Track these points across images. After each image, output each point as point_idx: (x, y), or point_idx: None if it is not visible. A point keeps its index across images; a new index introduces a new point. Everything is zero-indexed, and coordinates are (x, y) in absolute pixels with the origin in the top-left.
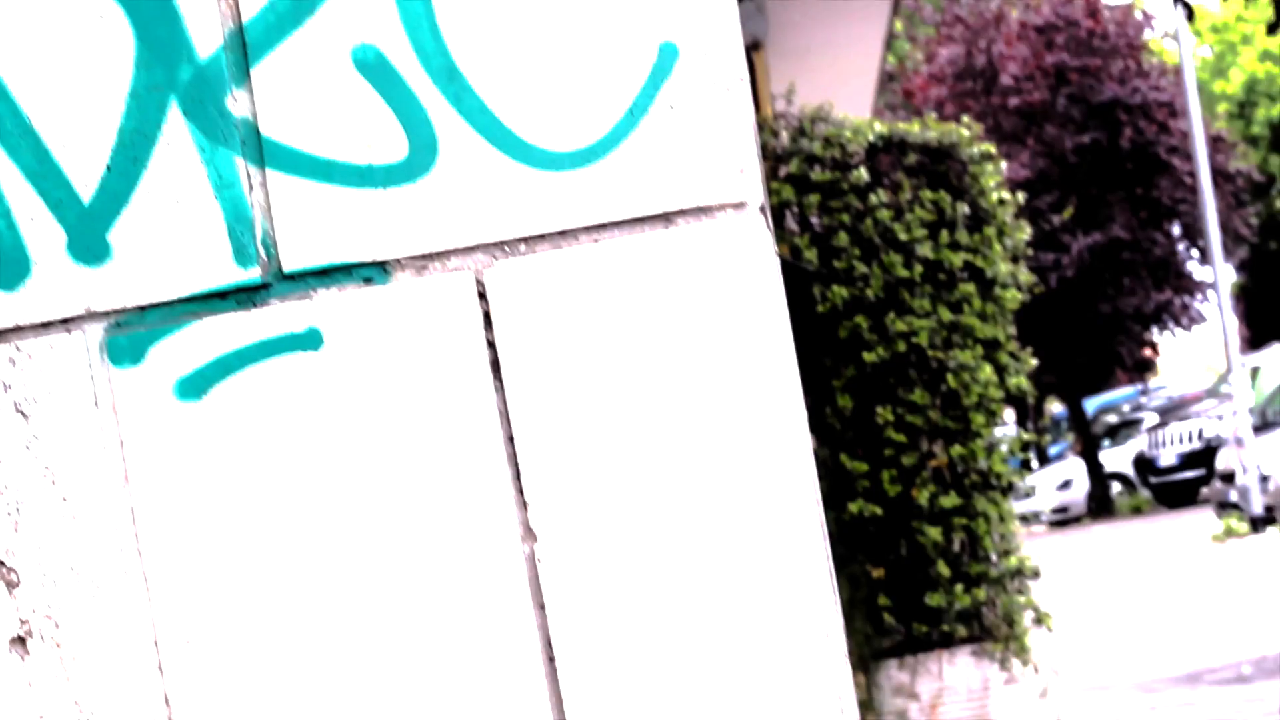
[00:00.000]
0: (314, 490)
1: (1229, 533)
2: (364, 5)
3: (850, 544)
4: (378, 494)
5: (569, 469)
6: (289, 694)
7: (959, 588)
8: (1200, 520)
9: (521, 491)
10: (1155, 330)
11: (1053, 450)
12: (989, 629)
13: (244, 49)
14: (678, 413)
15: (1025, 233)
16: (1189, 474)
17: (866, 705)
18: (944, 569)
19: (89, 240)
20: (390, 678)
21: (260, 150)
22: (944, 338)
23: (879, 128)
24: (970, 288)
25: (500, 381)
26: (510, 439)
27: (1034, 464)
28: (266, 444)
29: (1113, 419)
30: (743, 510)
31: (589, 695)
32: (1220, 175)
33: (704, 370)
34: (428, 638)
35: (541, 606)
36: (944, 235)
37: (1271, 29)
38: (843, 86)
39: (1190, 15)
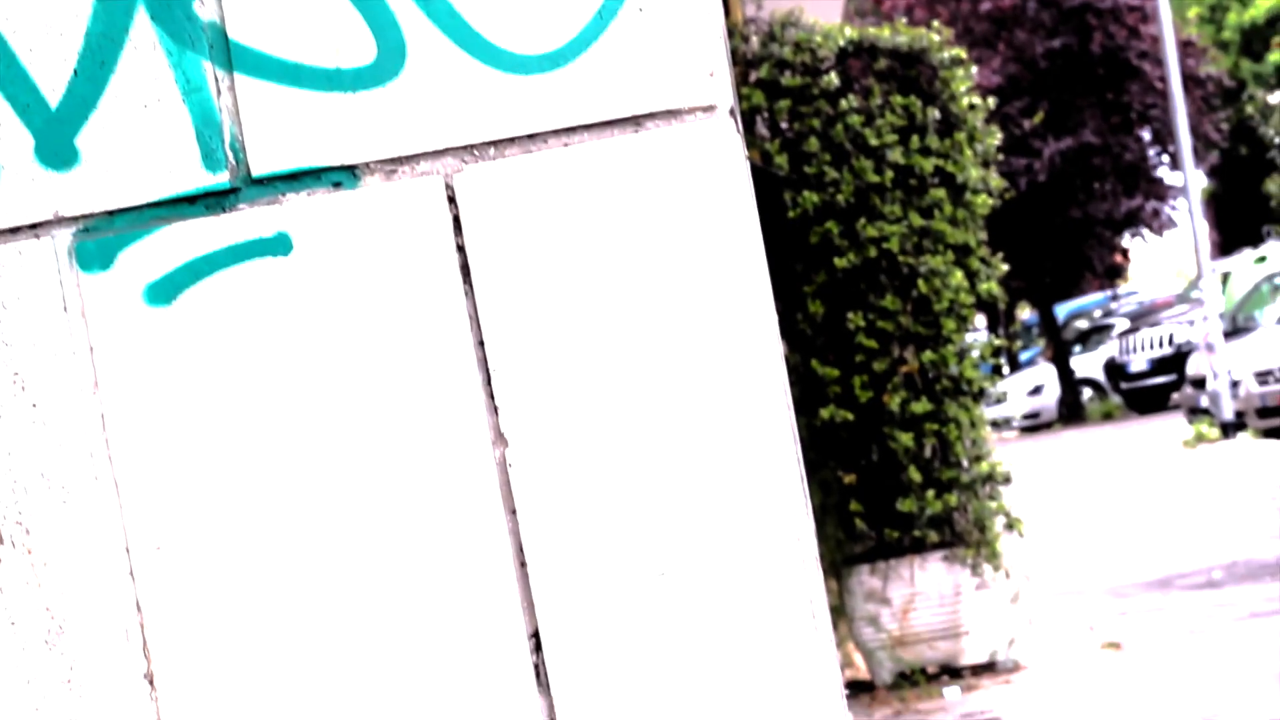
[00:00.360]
0: (284, 395)
1: (1199, 438)
2: None
3: (821, 450)
4: (348, 399)
5: (539, 374)
6: (259, 596)
7: (930, 493)
8: (1171, 426)
9: (492, 396)
10: (1126, 236)
11: (1024, 356)
12: (960, 534)
13: None
14: (647, 317)
15: (996, 138)
16: (1160, 379)
17: (838, 610)
18: (915, 474)
19: (57, 145)
20: (360, 582)
21: (228, 54)
22: (915, 243)
23: (849, 33)
24: (941, 193)
25: (470, 286)
26: (480, 343)
27: (1005, 370)
28: (236, 350)
29: (1083, 325)
30: (713, 414)
31: (559, 599)
32: (1191, 80)
33: (674, 274)
34: (398, 541)
35: (513, 511)
36: (915, 140)
37: None
38: None
39: None
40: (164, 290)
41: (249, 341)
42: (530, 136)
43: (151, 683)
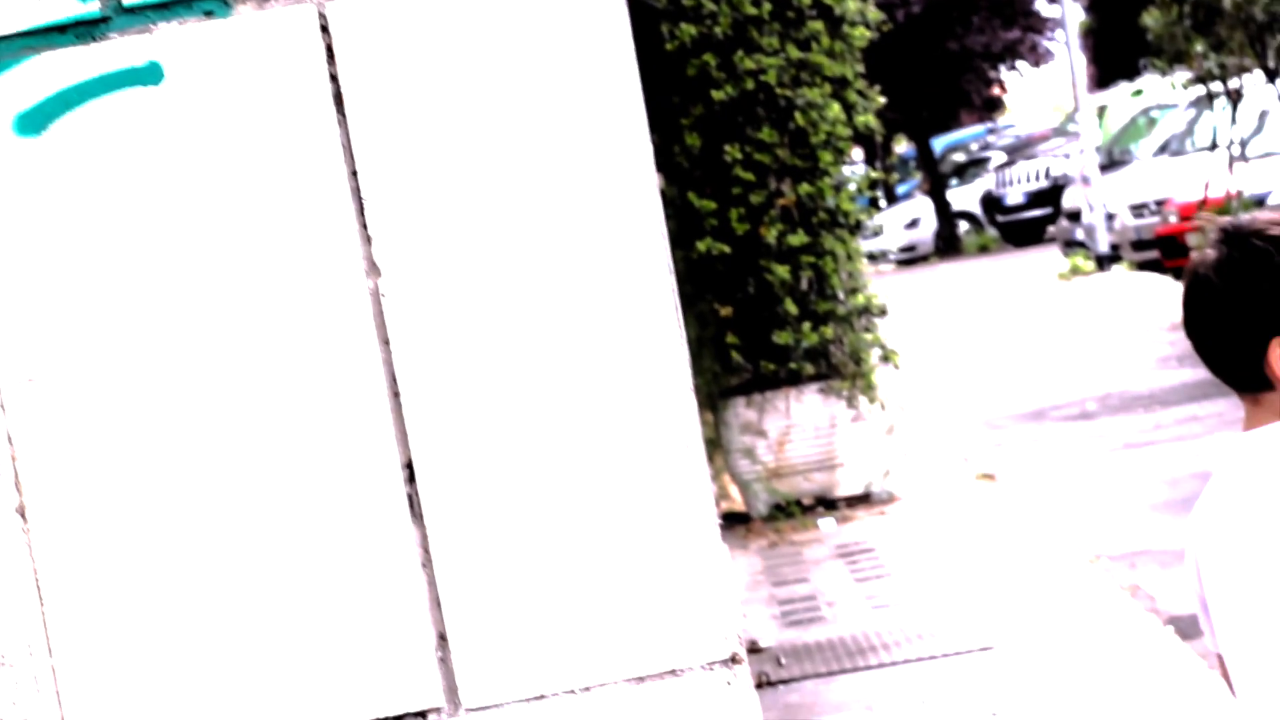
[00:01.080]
0: (155, 226)
1: (1075, 271)
2: None
3: (698, 283)
4: (217, 228)
5: (413, 204)
6: (132, 430)
7: (806, 326)
8: (1046, 258)
9: (365, 227)
10: (1003, 69)
11: (900, 189)
12: (836, 367)
13: None
14: (521, 144)
15: None
16: (1036, 212)
17: (714, 443)
18: (791, 307)
19: None
20: (230, 412)
21: None
22: (792, 75)
23: None
24: (819, 25)
25: (343, 116)
26: (354, 174)
27: (882, 203)
28: (108, 180)
29: (960, 158)
30: (581, 243)
31: (432, 429)
32: None
33: (549, 103)
34: (270, 370)
35: (386, 342)
36: None
37: None
38: None
39: None
40: (34, 120)
41: (121, 172)
42: None
43: (23, 516)
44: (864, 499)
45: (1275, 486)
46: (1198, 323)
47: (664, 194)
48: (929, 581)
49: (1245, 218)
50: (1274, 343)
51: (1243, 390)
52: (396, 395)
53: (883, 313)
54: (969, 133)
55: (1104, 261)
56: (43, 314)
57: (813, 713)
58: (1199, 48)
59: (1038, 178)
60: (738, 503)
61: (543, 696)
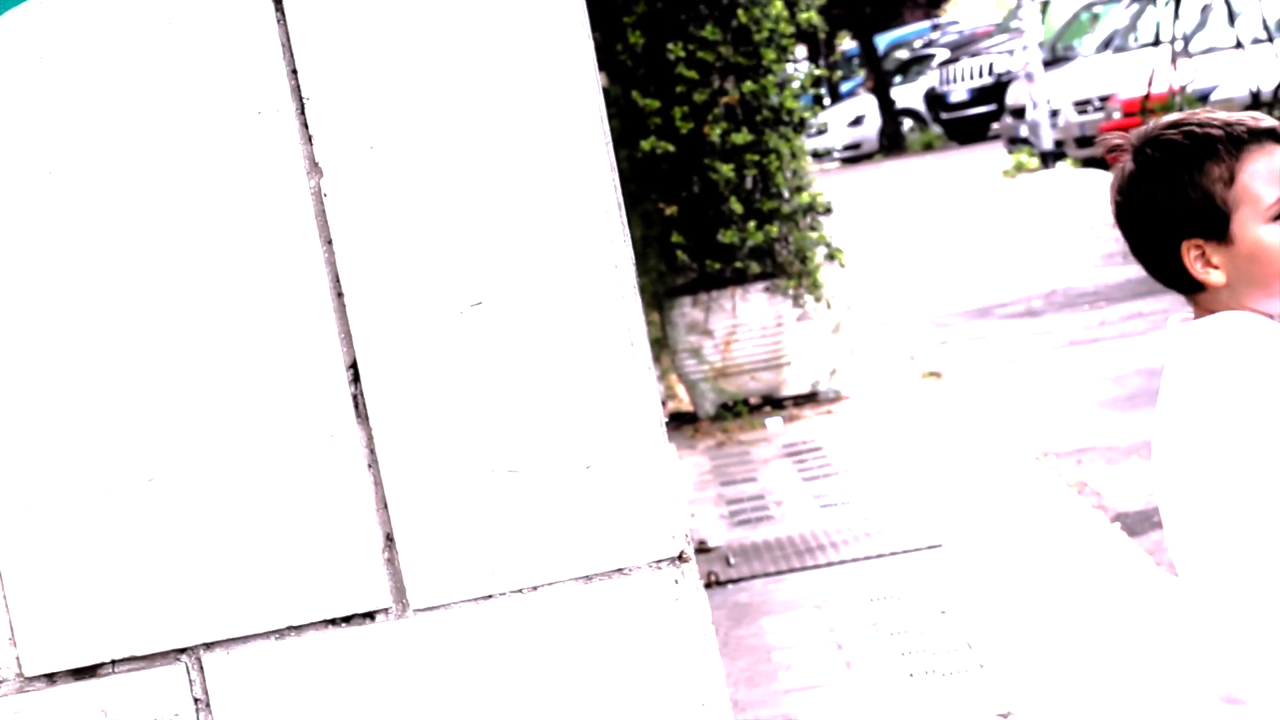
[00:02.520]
0: (90, 128)
1: (1019, 168)
2: None
3: (643, 182)
4: (154, 131)
5: (353, 98)
6: (75, 297)
7: (751, 224)
8: (991, 155)
9: (306, 125)
10: None
11: (844, 87)
12: (782, 265)
13: None
14: (463, 38)
15: None
16: (980, 109)
17: (660, 343)
18: (736, 206)
19: None
20: (174, 310)
21: None
22: None
23: None
24: None
25: (282, 13)
26: (294, 71)
27: (826, 100)
28: (46, 70)
29: (904, 55)
30: (527, 137)
31: (376, 328)
32: None
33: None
34: (212, 267)
35: (329, 241)
36: None
37: None
38: None
39: None
40: None
41: (61, 68)
42: None
43: None
44: (811, 398)
45: (1219, 368)
46: (1123, 232)
47: (607, 92)
48: (877, 480)
49: (1151, 124)
50: (1185, 245)
51: (1180, 291)
52: (340, 295)
53: (828, 211)
54: (913, 29)
55: (1048, 158)
56: None
57: (761, 612)
58: None
59: (981, 74)
60: (685, 403)
61: (490, 596)
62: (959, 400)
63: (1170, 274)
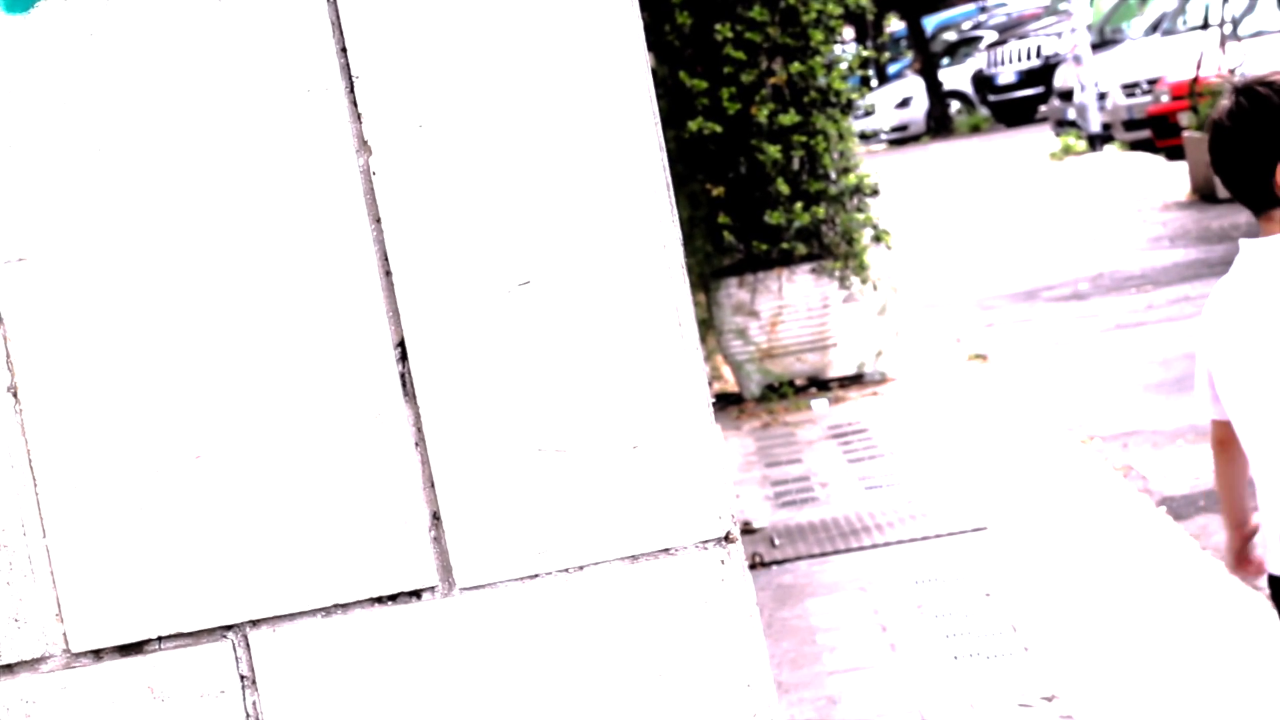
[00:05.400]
0: (146, 111)
1: (1067, 150)
2: None
3: (689, 163)
4: (204, 113)
5: (403, 77)
6: (123, 302)
7: (798, 205)
8: (1038, 138)
9: (355, 103)
10: None
11: (892, 68)
12: (828, 247)
13: None
14: (514, 22)
15: None
16: (1027, 92)
17: (706, 323)
18: (783, 187)
19: None
20: (221, 292)
21: None
22: None
23: None
24: None
25: None
26: (343, 49)
27: (873, 82)
28: (99, 57)
29: (952, 36)
30: (577, 118)
31: (425, 306)
32: None
33: None
34: (260, 250)
35: (378, 220)
36: None
37: None
38: None
39: None
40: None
41: (109, 47)
42: None
43: (15, 395)
44: (856, 379)
45: None
46: (1218, 158)
47: (654, 73)
48: (922, 462)
49: (1252, 73)
50: (1279, 167)
51: (1258, 210)
52: (389, 274)
53: (875, 192)
54: (960, 11)
55: (1096, 141)
56: (33, 194)
57: (806, 593)
58: None
59: (1029, 56)
60: (730, 384)
61: (537, 575)
62: (1005, 383)
63: (1254, 191)
